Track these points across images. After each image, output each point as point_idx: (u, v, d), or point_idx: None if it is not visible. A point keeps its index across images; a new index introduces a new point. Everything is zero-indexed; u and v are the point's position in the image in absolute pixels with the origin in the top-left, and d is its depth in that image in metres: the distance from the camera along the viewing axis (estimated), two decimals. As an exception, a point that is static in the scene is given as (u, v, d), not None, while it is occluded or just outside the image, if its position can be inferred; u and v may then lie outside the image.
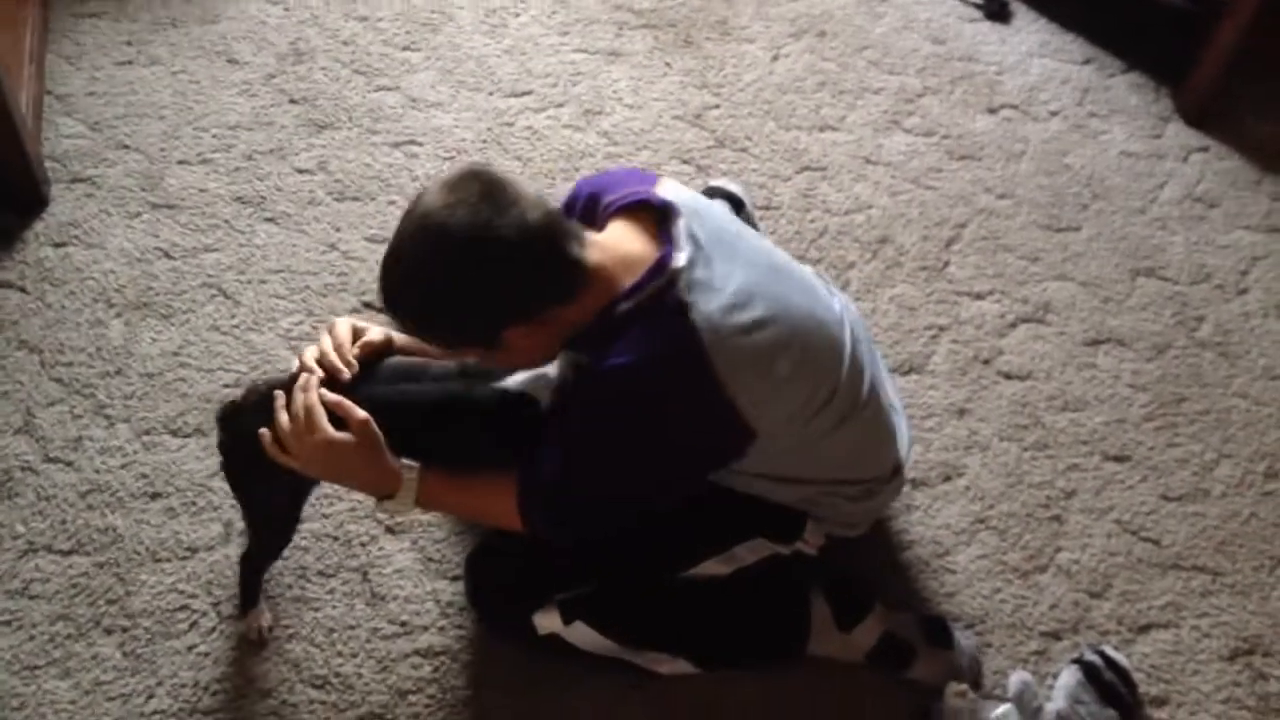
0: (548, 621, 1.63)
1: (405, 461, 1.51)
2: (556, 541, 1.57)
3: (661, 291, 1.40)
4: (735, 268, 1.46)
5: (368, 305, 2.16)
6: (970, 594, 1.85)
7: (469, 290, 1.36)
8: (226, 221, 2.26)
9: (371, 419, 1.45)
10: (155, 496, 1.88)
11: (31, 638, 1.72)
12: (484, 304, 1.38)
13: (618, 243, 1.46)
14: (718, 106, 2.58)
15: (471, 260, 1.34)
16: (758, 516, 1.65)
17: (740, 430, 1.46)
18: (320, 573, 1.82)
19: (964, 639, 1.75)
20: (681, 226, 1.45)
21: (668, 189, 1.51)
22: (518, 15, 2.74)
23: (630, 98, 2.59)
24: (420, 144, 2.44)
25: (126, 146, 2.37)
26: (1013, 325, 2.23)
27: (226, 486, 1.71)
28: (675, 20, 2.76)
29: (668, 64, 2.66)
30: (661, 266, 1.41)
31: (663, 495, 1.54)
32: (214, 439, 1.90)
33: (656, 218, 1.46)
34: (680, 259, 1.41)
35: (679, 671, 1.69)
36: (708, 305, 1.40)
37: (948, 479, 1.98)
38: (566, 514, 1.50)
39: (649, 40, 2.70)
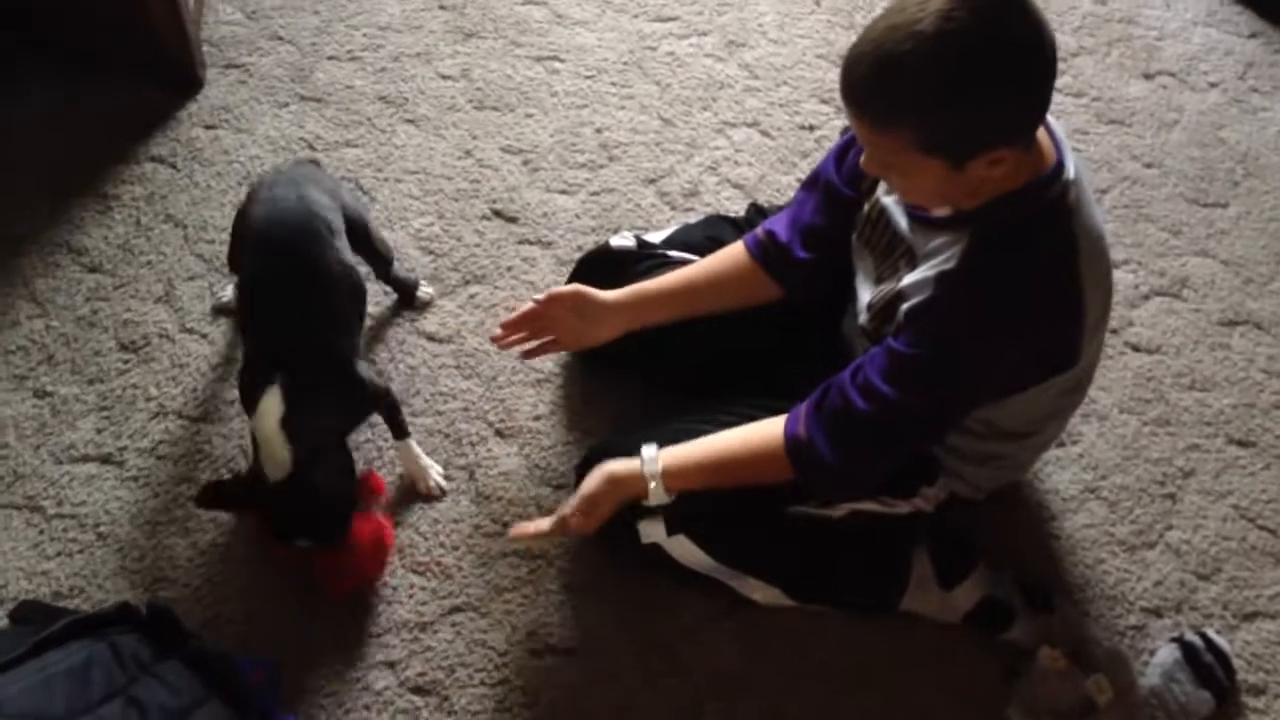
0: (652, 530, 1.64)
1: (644, 454, 1.57)
2: (826, 486, 1.56)
3: (1057, 197, 1.37)
4: (1090, 191, 1.43)
5: (497, 214, 2.18)
6: (1073, 562, 1.82)
7: (989, 94, 1.25)
8: (369, 119, 2.30)
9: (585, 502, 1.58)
10: (281, 377, 1.94)
11: (156, 495, 1.81)
12: (993, 112, 1.27)
13: None
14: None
15: (1006, 61, 1.24)
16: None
17: (1072, 353, 1.43)
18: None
19: (1065, 606, 1.72)
20: (1061, 135, 1.42)
21: None
22: (670, -60, 2.72)
23: (775, 32, 2.56)
24: (562, 60, 2.45)
25: (280, 38, 2.43)
26: (1146, 297, 2.17)
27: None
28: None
29: (816, 1, 2.62)
30: (1059, 174, 1.37)
31: (971, 410, 1.52)
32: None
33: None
34: (1071, 170, 1.38)
35: (772, 601, 1.70)
36: (1087, 223, 1.38)
37: (1062, 445, 1.94)
38: (870, 443, 1.48)
39: (802, -26, 2.66)
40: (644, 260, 1.89)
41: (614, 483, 1.59)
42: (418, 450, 1.83)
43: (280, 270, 1.66)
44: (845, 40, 2.54)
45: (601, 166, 2.27)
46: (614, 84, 2.42)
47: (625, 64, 2.45)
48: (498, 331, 1.77)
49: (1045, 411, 1.58)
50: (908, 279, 1.45)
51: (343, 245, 1.73)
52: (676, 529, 1.64)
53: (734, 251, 1.76)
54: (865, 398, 1.45)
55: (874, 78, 1.28)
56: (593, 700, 1.65)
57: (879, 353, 1.46)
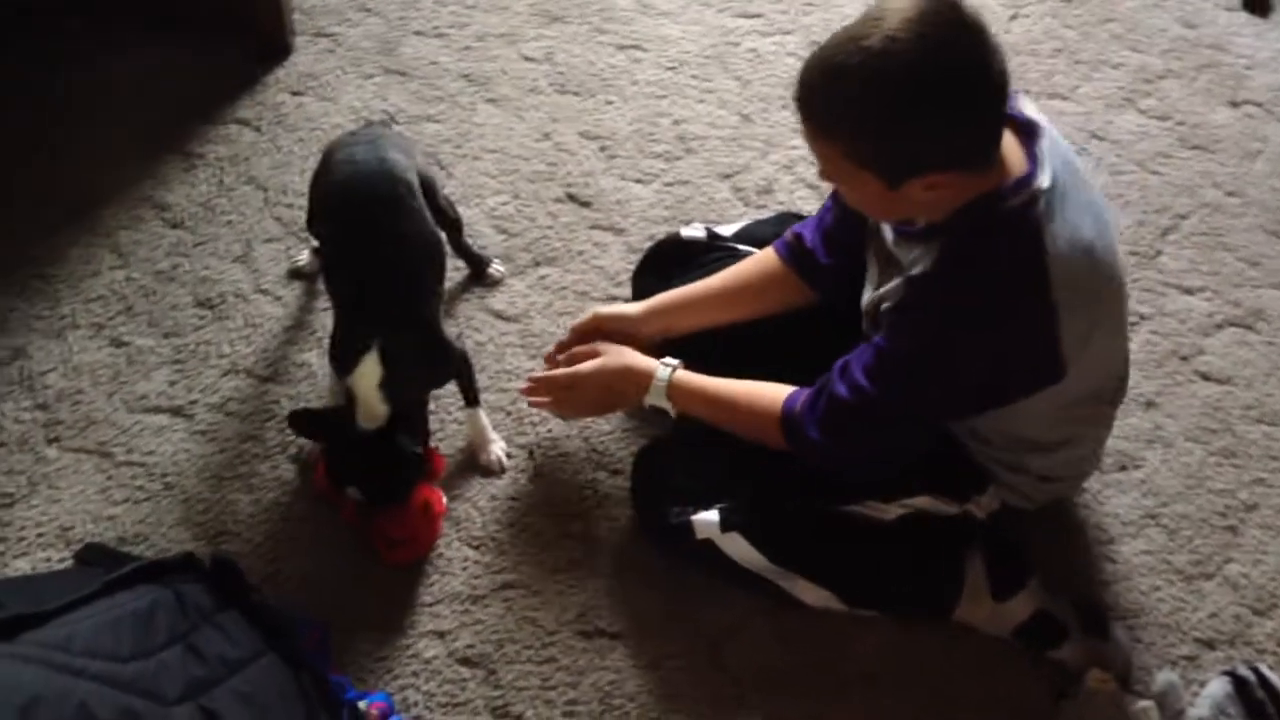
0: (705, 527, 1.66)
1: (666, 360, 1.66)
2: (815, 460, 1.57)
3: (1023, 206, 1.37)
4: (1081, 201, 1.43)
5: (571, 197, 2.20)
6: (1128, 587, 1.81)
7: (924, 119, 1.29)
8: (451, 96, 2.33)
9: (590, 371, 1.68)
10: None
11: (223, 451, 1.84)
12: (928, 138, 1.31)
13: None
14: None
15: (943, 90, 1.27)
16: (941, 471, 1.64)
17: (1053, 365, 1.43)
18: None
19: (1118, 630, 1.71)
20: (1045, 147, 1.41)
21: (1028, 105, 1.47)
22: (760, -63, 2.72)
23: (859, 35, 2.55)
24: (645, 50, 2.46)
25: (369, 10, 2.46)
26: (1219, 326, 2.14)
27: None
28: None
29: (903, 7, 2.60)
30: (1027, 183, 1.37)
31: (952, 417, 1.54)
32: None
33: (1022, 131, 1.43)
34: (1044, 180, 1.38)
35: (821, 604, 1.70)
36: (1060, 232, 1.37)
37: (1124, 468, 1.93)
38: (851, 430, 1.51)
39: (888, -20, 2.64)
40: (713, 252, 1.91)
41: (626, 368, 1.68)
42: (485, 421, 1.86)
43: (367, 233, 1.69)
44: (929, 48, 2.53)
45: (678, 158, 2.28)
46: (695, 77, 2.42)
47: (707, 58, 2.46)
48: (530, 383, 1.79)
49: (1061, 423, 1.57)
50: (888, 285, 1.51)
51: (422, 206, 1.76)
52: (730, 526, 1.65)
53: (765, 256, 1.79)
54: (847, 388, 1.50)
55: (816, 85, 1.32)
56: (635, 685, 1.66)
57: (866, 348, 1.51)
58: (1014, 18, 2.64)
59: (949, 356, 1.44)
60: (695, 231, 1.95)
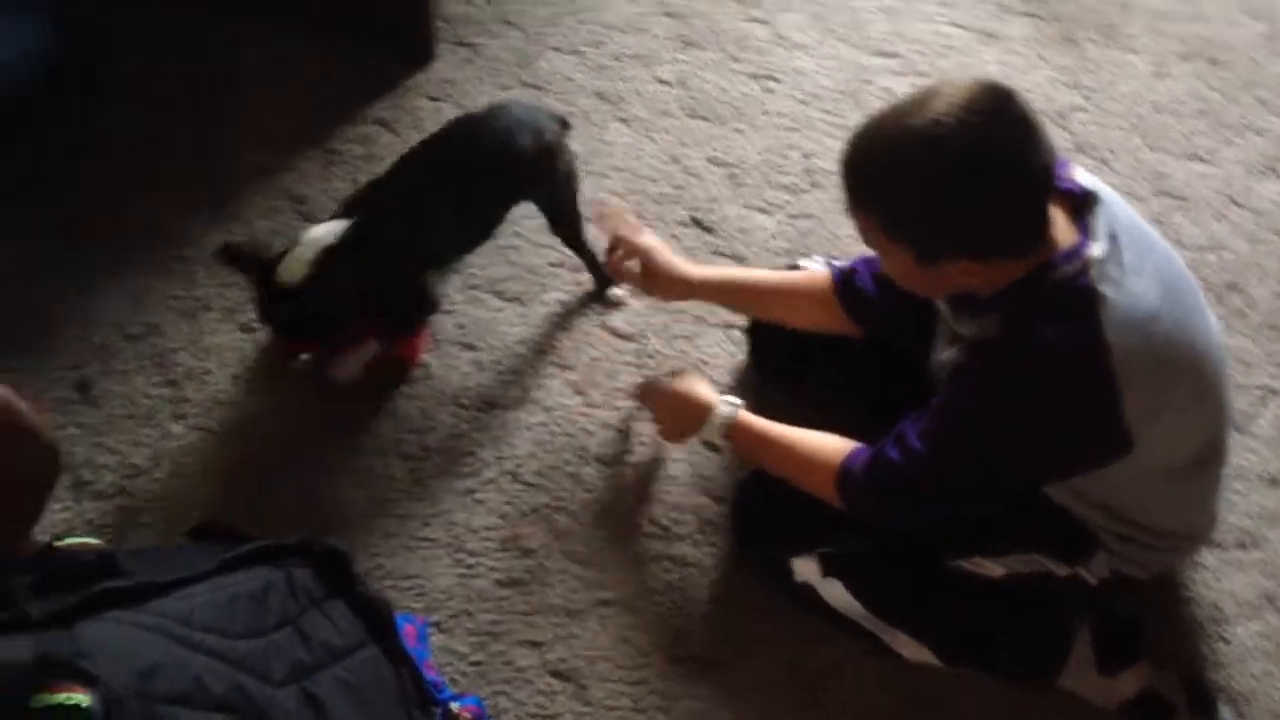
0: (806, 570, 1.65)
1: (728, 399, 1.66)
2: (872, 522, 1.55)
3: (1075, 278, 1.35)
4: (1146, 270, 1.39)
5: (695, 222, 2.21)
6: (1240, 670, 1.74)
7: (957, 206, 1.30)
8: (584, 113, 2.35)
9: (662, 387, 1.74)
10: (469, 347, 2.00)
11: (337, 443, 1.88)
12: (961, 225, 1.32)
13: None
14: (1085, 110, 2.48)
15: (979, 180, 1.28)
16: (1050, 530, 1.59)
17: (1119, 438, 1.39)
18: (598, 458, 1.89)
19: (1227, 714, 1.65)
20: (1100, 216, 1.39)
21: (1083, 175, 1.46)
22: (901, -24, 2.71)
23: (996, 82, 2.52)
24: (778, 81, 2.46)
25: (510, 23, 2.51)
26: (1355, 409, 2.06)
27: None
28: (1061, 14, 2.66)
29: (1043, 57, 2.57)
30: (1078, 253, 1.36)
31: (1011, 486, 1.50)
32: (531, 308, 2.03)
33: (1074, 204, 1.41)
34: (1096, 250, 1.35)
35: (920, 659, 1.67)
36: (1118, 302, 1.34)
37: (1243, 546, 1.86)
38: (904, 494, 1.49)
39: (1029, 28, 2.61)
40: None
41: (689, 396, 1.69)
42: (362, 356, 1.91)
43: (470, 173, 1.82)
44: (1068, 99, 2.49)
45: (804, 191, 2.27)
46: (826, 111, 2.42)
47: (840, 93, 2.45)
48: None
49: (1150, 490, 1.52)
50: (949, 350, 1.50)
51: (518, 193, 1.91)
52: (831, 572, 1.64)
53: (819, 275, 1.78)
54: (900, 451, 1.47)
55: (858, 154, 1.34)
56: (728, 715, 1.65)
57: (923, 412, 1.48)
58: (1158, 76, 2.59)
59: (1004, 424, 1.41)
60: (814, 265, 1.94)
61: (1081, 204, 1.41)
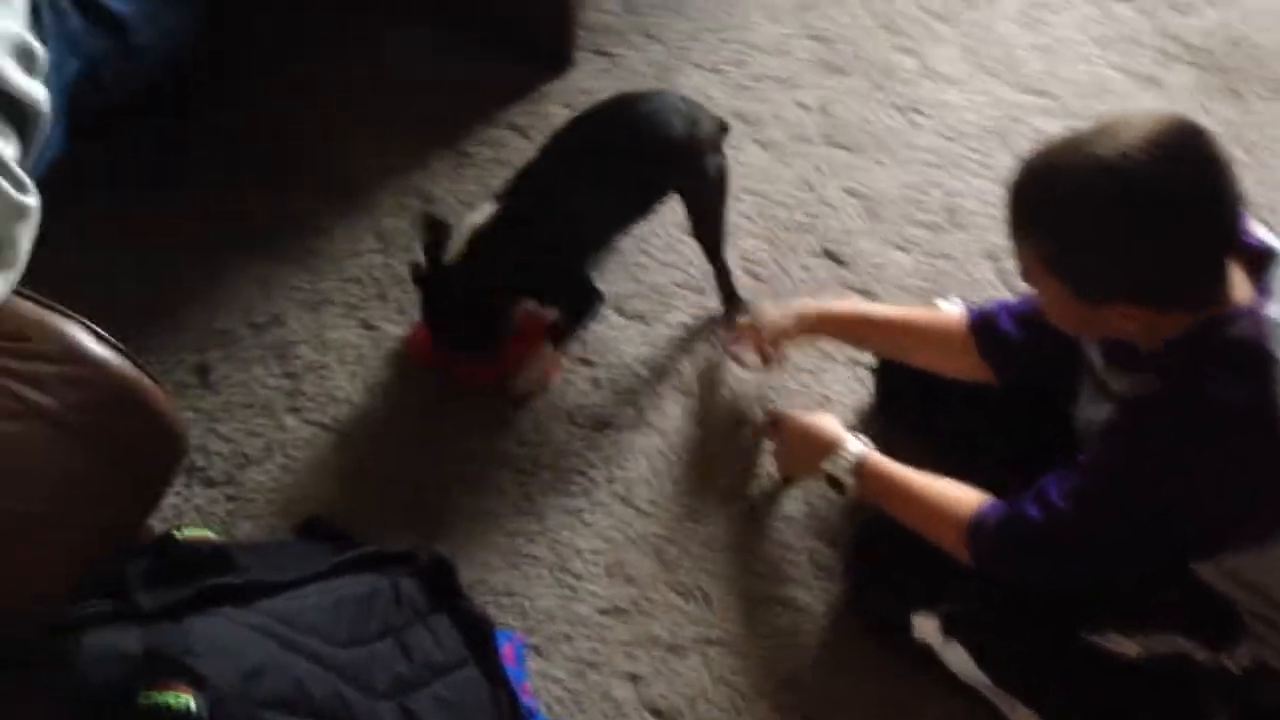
0: (926, 628, 1.56)
1: (859, 437, 1.62)
2: (1000, 581, 1.48)
3: (1250, 338, 1.26)
4: None
5: (828, 253, 2.13)
6: (1391, 781, 1.61)
7: (1135, 246, 1.23)
8: (721, 132, 2.30)
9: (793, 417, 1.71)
10: (588, 364, 1.96)
11: (452, 449, 1.85)
12: (1136, 266, 1.25)
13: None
14: (1248, 166, 2.34)
15: (1164, 220, 1.21)
16: (1193, 610, 1.49)
17: None
18: (711, 489, 1.83)
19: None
20: (1279, 275, 1.30)
21: (1262, 231, 1.37)
22: (1059, 14, 2.60)
23: (1152, 130, 2.41)
24: (923, 114, 2.38)
25: (651, 35, 2.47)
26: None
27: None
28: (1227, 66, 2.53)
29: (1205, 108, 2.44)
30: (1254, 311, 1.27)
31: (1161, 550, 1.40)
32: (653, 327, 1.98)
33: (1252, 259, 1.32)
34: (1275, 310, 1.26)
35: (1040, 736, 1.58)
36: None
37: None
38: (1042, 553, 1.41)
39: (1191, 77, 2.49)
40: None
41: (818, 427, 1.66)
42: (545, 359, 1.89)
43: (626, 160, 1.79)
44: (1230, 154, 2.36)
45: (944, 230, 2.18)
46: (972, 149, 2.32)
47: (988, 131, 2.36)
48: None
49: None
50: (1099, 406, 1.42)
51: (666, 183, 1.87)
52: (953, 633, 1.55)
53: (953, 315, 1.70)
54: (1040, 508, 1.38)
55: (1031, 180, 1.27)
56: (829, 774, 1.57)
57: (1067, 469, 1.40)
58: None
59: (1163, 483, 1.31)
60: (951, 307, 1.85)
61: (1259, 260, 1.32)
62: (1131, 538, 1.38)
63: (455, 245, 1.74)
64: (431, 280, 1.78)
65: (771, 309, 1.82)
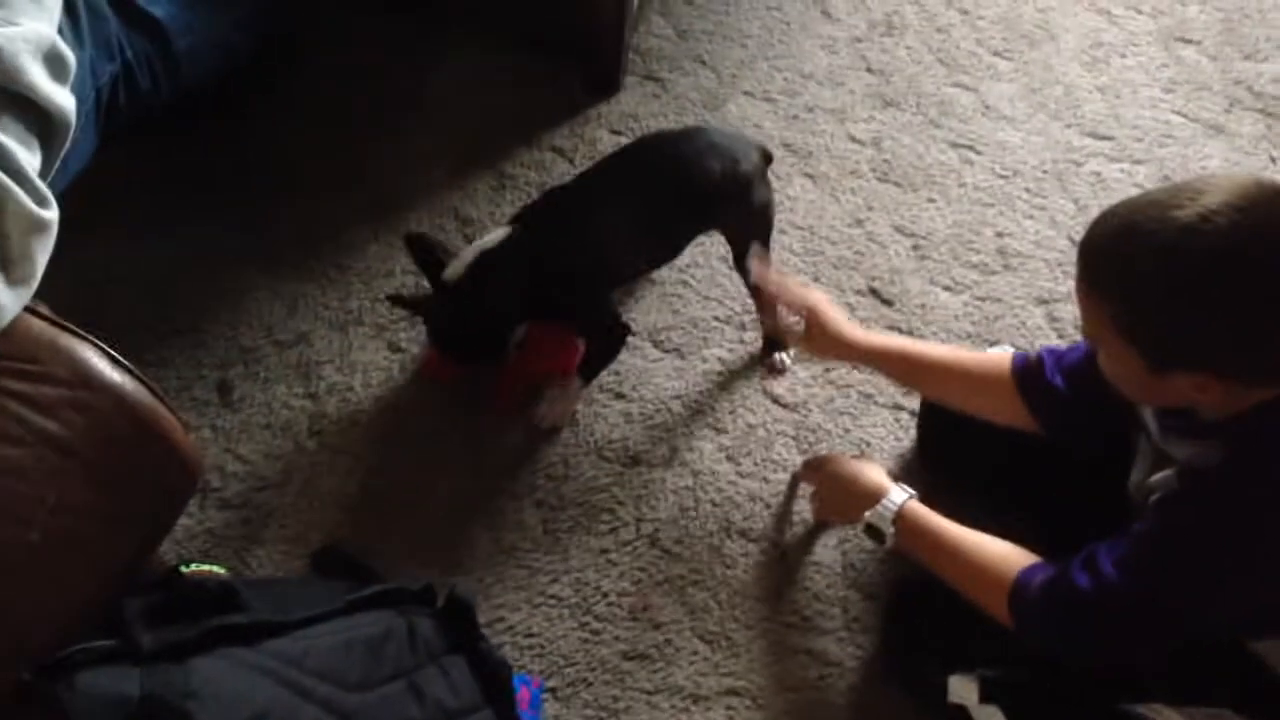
0: (963, 690, 1.48)
1: (903, 486, 1.55)
2: (1042, 647, 1.40)
3: None
4: None
5: (874, 292, 2.06)
6: None
7: (1215, 316, 1.16)
8: (769, 163, 2.24)
9: (837, 461, 1.66)
10: (620, 397, 1.89)
11: (474, 482, 1.79)
12: (1214, 337, 1.18)
13: None
14: (1317, 221, 2.26)
15: (1247, 290, 1.15)
16: (1243, 682, 1.41)
17: None
18: (742, 533, 1.76)
19: None
20: None
21: None
22: (1124, 57, 2.52)
23: (1216, 179, 2.32)
24: (979, 152, 2.30)
25: (703, 61, 2.41)
26: None
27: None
28: (1297, 114, 2.44)
29: (1274, 159, 2.35)
30: None
31: (1204, 628, 1.33)
32: (689, 362, 1.92)
33: None
34: None
35: (1081, 807, 1.49)
36: None
37: None
38: (1088, 623, 1.33)
39: (1260, 126, 2.40)
40: None
41: (861, 475, 1.60)
42: (570, 395, 1.84)
43: (664, 195, 1.77)
44: (1297, 206, 2.27)
45: (994, 272, 2.11)
46: (1027, 190, 2.25)
47: (1045, 172, 2.28)
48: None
49: None
50: (1158, 474, 1.35)
51: (702, 217, 1.86)
52: (990, 698, 1.46)
53: (998, 358, 1.63)
54: (1089, 577, 1.31)
55: (1105, 238, 1.21)
56: (855, 844, 1.49)
57: (1120, 538, 1.32)
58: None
59: (1216, 564, 1.25)
60: (1002, 353, 1.78)
61: None
62: (1183, 613, 1.31)
63: (459, 262, 1.72)
64: (431, 297, 1.78)
65: (825, 311, 1.74)
